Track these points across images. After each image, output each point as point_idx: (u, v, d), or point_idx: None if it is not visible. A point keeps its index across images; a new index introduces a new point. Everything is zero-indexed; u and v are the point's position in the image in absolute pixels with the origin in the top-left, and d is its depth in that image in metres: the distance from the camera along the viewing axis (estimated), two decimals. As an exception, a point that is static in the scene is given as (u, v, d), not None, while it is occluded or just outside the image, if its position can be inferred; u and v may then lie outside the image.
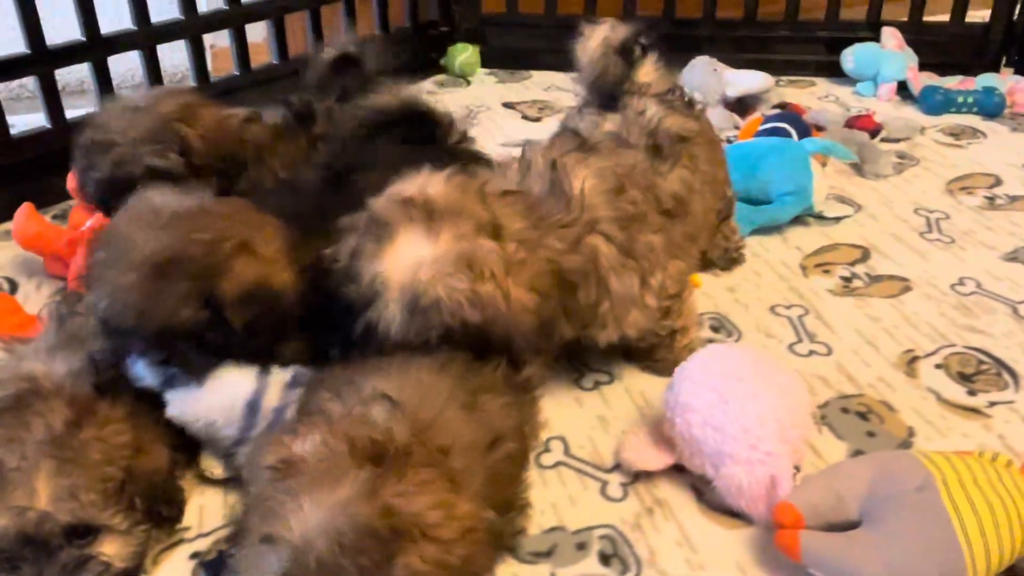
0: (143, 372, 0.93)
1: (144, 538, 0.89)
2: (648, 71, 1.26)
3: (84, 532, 0.83)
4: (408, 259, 0.89)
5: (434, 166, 0.98)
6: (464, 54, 2.33)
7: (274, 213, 1.03)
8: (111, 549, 0.85)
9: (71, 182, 1.50)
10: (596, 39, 1.24)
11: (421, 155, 1.06)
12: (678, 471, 1.00)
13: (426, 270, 0.88)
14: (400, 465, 0.72)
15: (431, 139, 1.32)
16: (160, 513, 0.91)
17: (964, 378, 1.17)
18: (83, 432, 0.86)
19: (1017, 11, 2.19)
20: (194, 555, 0.92)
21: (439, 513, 0.70)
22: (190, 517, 0.97)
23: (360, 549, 0.66)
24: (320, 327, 0.97)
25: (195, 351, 0.92)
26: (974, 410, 1.11)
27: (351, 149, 1.30)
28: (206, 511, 0.98)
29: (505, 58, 2.38)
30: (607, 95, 1.22)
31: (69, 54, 1.64)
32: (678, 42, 2.24)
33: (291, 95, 1.44)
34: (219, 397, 0.94)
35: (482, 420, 0.85)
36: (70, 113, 1.67)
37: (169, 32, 1.79)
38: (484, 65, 2.38)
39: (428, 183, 0.94)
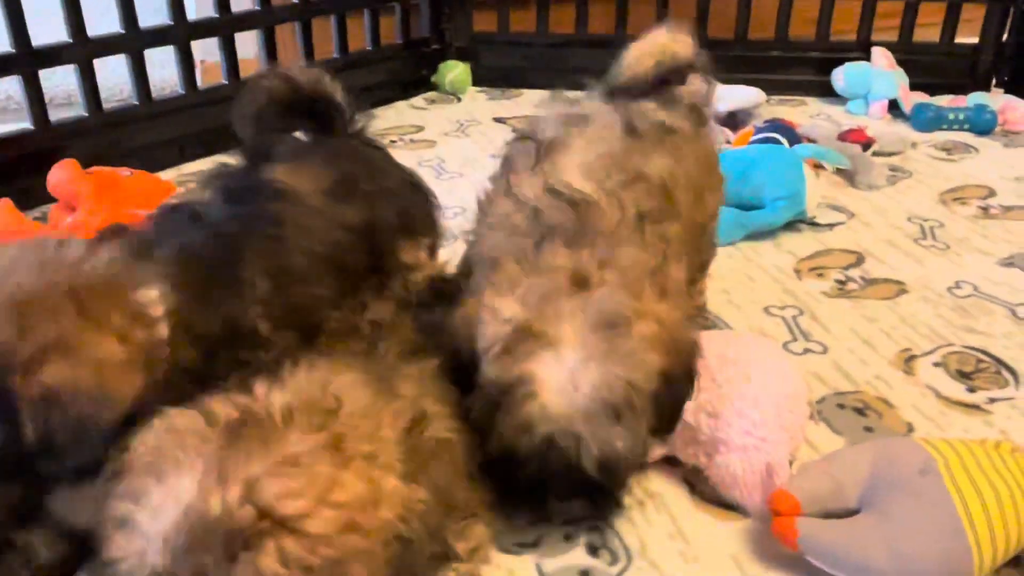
0: None
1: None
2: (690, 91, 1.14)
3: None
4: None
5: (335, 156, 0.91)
6: (455, 71, 2.32)
7: (171, 263, 0.81)
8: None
9: (51, 182, 1.48)
10: (652, 48, 1.12)
11: (325, 147, 1.01)
12: (670, 464, 0.96)
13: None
14: (265, 434, 0.60)
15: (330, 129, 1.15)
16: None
17: (963, 376, 1.14)
18: None
19: (1006, 33, 2.20)
20: None
21: (307, 499, 0.58)
22: None
23: (198, 548, 0.56)
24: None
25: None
26: (974, 407, 1.08)
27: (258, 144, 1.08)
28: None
29: (496, 76, 2.38)
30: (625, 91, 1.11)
31: (54, 55, 1.62)
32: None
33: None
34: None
35: (394, 392, 0.74)
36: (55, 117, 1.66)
37: (158, 37, 1.78)
38: (475, 83, 2.37)
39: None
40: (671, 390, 0.82)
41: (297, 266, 0.90)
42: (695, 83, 1.15)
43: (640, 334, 0.79)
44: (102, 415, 0.70)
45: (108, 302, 0.74)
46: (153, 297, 0.77)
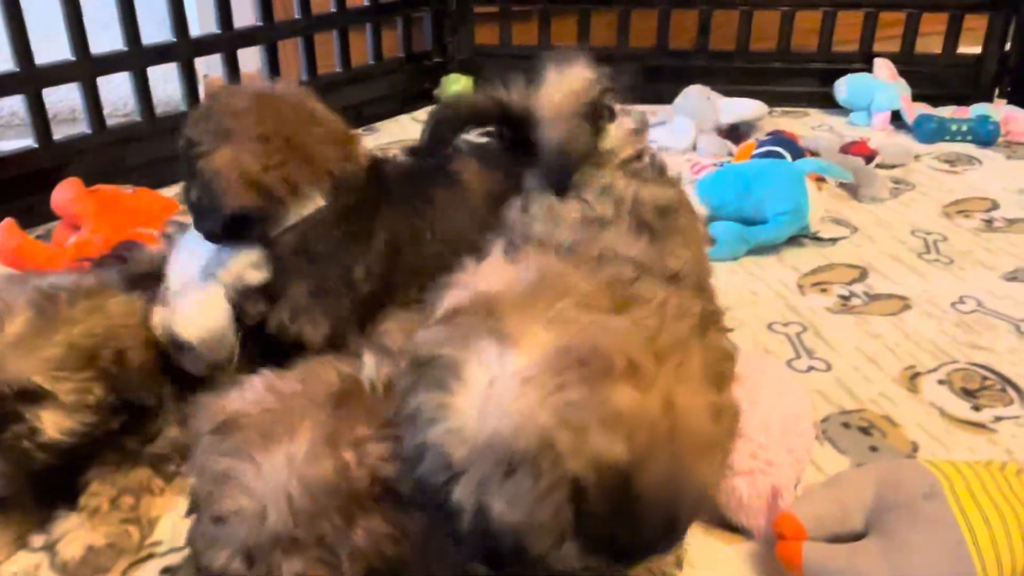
0: None
1: (91, 424, 0.86)
2: (615, 136, 0.98)
3: (26, 395, 0.82)
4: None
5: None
6: (458, 84, 2.33)
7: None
8: (48, 417, 0.83)
9: (55, 201, 1.49)
10: (563, 92, 0.95)
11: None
12: (674, 485, 0.96)
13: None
14: (370, 405, 0.62)
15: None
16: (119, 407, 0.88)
17: (968, 393, 1.14)
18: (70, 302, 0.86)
19: (1009, 43, 2.20)
20: (165, 570, 0.88)
21: None
22: (162, 531, 0.92)
23: (315, 514, 0.58)
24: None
25: None
26: (979, 425, 1.08)
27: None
28: (179, 525, 0.93)
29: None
30: (563, 172, 0.92)
31: (58, 73, 1.63)
32: (671, 73, 2.25)
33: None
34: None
35: None
36: (58, 133, 1.66)
37: (161, 55, 1.78)
38: (478, 96, 2.38)
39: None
40: (643, 499, 0.57)
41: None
42: (615, 128, 0.98)
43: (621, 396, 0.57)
44: (225, 200, 0.92)
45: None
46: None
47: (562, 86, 0.96)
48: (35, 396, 0.83)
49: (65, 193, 1.47)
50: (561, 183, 0.92)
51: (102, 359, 0.86)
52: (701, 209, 1.54)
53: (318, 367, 0.67)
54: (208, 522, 0.62)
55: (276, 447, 0.60)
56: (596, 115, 0.94)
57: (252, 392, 0.66)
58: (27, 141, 1.64)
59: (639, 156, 0.97)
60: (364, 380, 0.65)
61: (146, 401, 0.90)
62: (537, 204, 0.91)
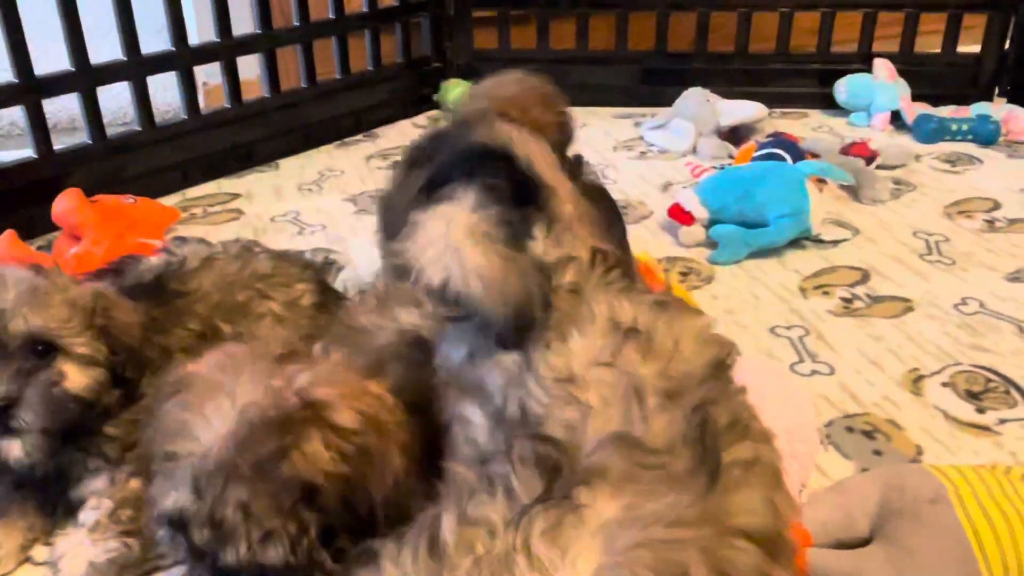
0: None
1: (102, 380, 0.89)
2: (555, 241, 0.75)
3: (43, 348, 0.85)
4: None
5: None
6: (457, 89, 2.32)
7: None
8: (69, 369, 0.86)
9: (55, 212, 1.49)
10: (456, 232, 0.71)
11: None
12: (679, 492, 0.96)
13: None
14: (305, 356, 0.72)
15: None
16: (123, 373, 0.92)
17: (972, 396, 1.13)
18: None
19: (1008, 42, 2.20)
20: (170, 583, 0.88)
21: (342, 399, 0.69)
22: (167, 544, 0.92)
23: (254, 441, 0.65)
24: None
25: None
26: (983, 428, 1.08)
27: None
28: (184, 538, 0.93)
29: (498, 93, 2.38)
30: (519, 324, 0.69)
31: (57, 84, 1.63)
32: (670, 76, 2.25)
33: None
34: None
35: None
36: (59, 146, 1.66)
37: (160, 64, 1.78)
38: (477, 101, 2.38)
39: None
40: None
41: None
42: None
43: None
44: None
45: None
46: None
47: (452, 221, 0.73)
48: (50, 349, 0.86)
49: (66, 204, 1.47)
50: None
51: (97, 317, 0.90)
52: (703, 213, 1.54)
53: (269, 338, 0.79)
54: (163, 471, 0.69)
55: (219, 393, 0.68)
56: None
57: (210, 357, 0.74)
58: (27, 152, 1.64)
59: (600, 253, 0.75)
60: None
61: (138, 365, 0.93)
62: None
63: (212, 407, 0.68)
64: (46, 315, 0.85)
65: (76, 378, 0.87)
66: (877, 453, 1.03)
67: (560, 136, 1.18)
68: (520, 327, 0.68)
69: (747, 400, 0.69)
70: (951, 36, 2.21)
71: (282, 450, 0.66)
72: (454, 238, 0.69)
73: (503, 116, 1.06)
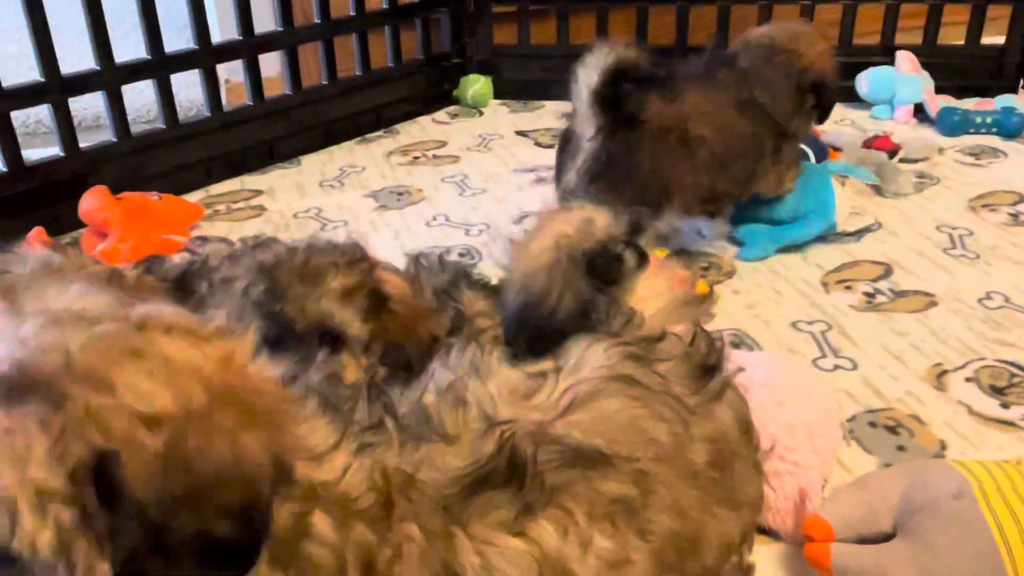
0: None
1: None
2: (648, 286, 0.77)
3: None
4: None
5: None
6: (477, 85, 2.33)
7: None
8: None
9: (82, 209, 1.51)
10: (545, 239, 0.75)
11: None
12: (701, 487, 0.96)
13: None
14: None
15: None
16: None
17: (996, 391, 1.13)
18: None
19: (1033, 33, 2.18)
20: None
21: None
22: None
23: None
24: None
25: None
26: (1008, 423, 1.07)
27: None
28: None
29: (517, 89, 2.39)
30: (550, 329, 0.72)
31: (83, 83, 1.65)
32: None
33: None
34: None
35: None
36: (84, 144, 1.68)
37: (183, 62, 1.80)
38: (497, 96, 2.38)
39: None
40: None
41: None
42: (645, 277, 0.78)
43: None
44: None
45: None
46: None
47: (544, 230, 0.76)
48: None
49: (92, 201, 1.50)
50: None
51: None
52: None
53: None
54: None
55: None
56: (603, 263, 0.74)
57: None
58: (53, 149, 1.66)
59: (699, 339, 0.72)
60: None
61: None
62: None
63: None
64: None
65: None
66: (900, 448, 1.03)
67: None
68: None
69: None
70: (975, 27, 2.19)
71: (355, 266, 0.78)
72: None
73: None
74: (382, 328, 0.84)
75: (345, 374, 0.82)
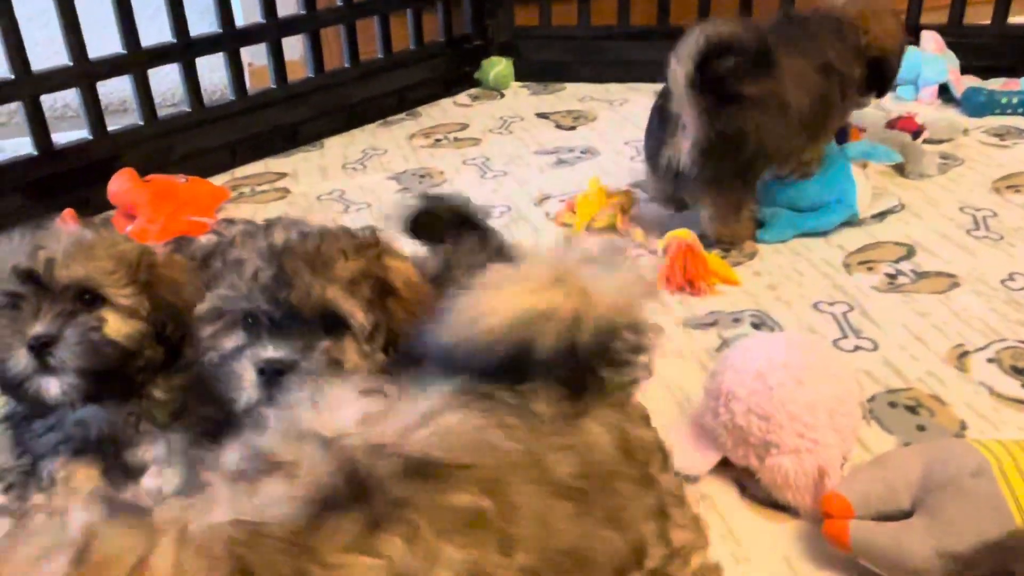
0: None
1: (143, 332, 0.92)
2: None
3: (89, 297, 0.89)
4: None
5: None
6: (498, 67, 2.33)
7: None
8: (110, 316, 0.90)
9: (111, 191, 1.53)
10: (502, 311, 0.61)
11: None
12: (721, 465, 0.97)
13: None
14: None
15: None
16: (164, 331, 0.94)
17: (1018, 372, 1.13)
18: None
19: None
20: None
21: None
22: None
23: (331, 243, 0.82)
24: None
25: None
26: (1030, 404, 1.07)
27: None
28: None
29: (539, 71, 2.39)
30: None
31: (110, 67, 1.67)
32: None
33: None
34: None
35: None
36: (112, 127, 1.71)
37: (208, 46, 1.82)
38: (518, 78, 2.38)
39: None
40: None
41: None
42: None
43: None
44: None
45: None
46: None
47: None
48: (96, 299, 0.90)
49: (120, 183, 1.52)
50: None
51: (141, 272, 0.93)
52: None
53: None
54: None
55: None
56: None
57: None
58: (81, 133, 1.69)
59: None
60: None
61: (181, 324, 0.94)
62: None
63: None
64: (91, 265, 0.89)
65: (116, 325, 0.90)
66: (921, 428, 1.04)
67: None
68: None
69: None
70: (1001, 7, 2.16)
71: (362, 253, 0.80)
72: None
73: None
74: (387, 315, 0.86)
75: (346, 361, 0.84)
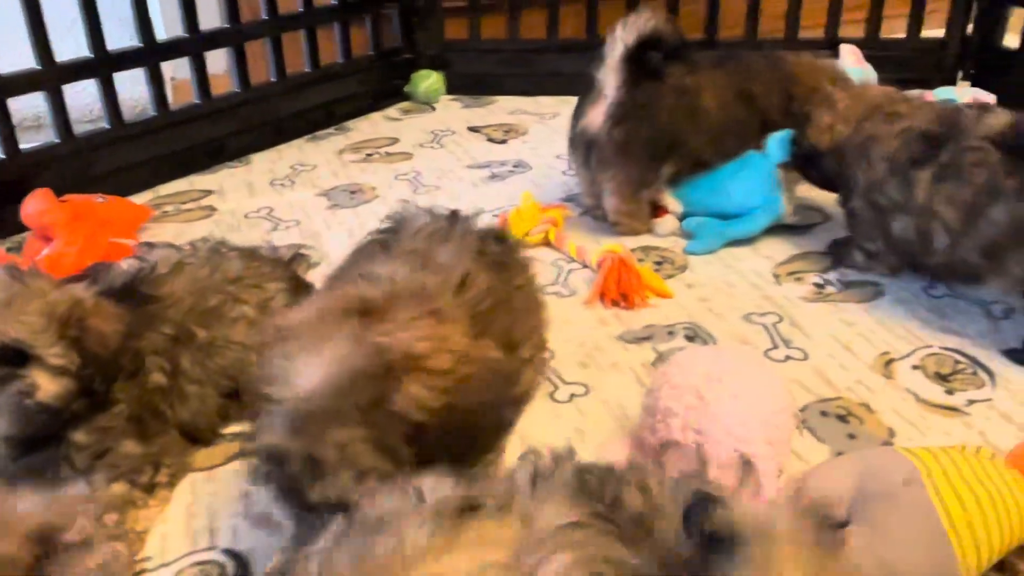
0: None
1: (73, 390, 0.90)
2: None
3: (17, 358, 0.86)
4: None
5: None
6: (428, 80, 2.32)
7: None
8: (41, 377, 0.87)
9: (25, 213, 1.47)
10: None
11: None
12: (659, 480, 0.97)
13: None
14: (385, 310, 0.77)
15: None
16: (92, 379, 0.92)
17: (941, 378, 1.16)
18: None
19: (971, 27, 2.23)
20: (156, 585, 0.88)
21: (428, 344, 0.75)
22: (152, 547, 0.92)
23: (356, 389, 0.71)
24: None
25: None
26: (953, 409, 1.10)
27: None
28: (168, 540, 0.93)
29: (469, 84, 2.38)
30: None
31: (23, 83, 1.61)
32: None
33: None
34: None
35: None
36: (25, 145, 1.64)
37: (127, 60, 1.76)
38: (448, 91, 2.38)
39: None
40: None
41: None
42: None
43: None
44: None
45: None
46: None
47: None
48: (24, 358, 0.87)
49: (36, 204, 1.46)
50: None
51: (71, 327, 0.90)
52: (677, 207, 1.56)
53: (344, 293, 0.82)
54: (264, 412, 0.74)
55: (316, 350, 0.74)
56: None
57: (303, 312, 0.80)
58: (-7, 150, 1.62)
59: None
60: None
61: (109, 375, 0.93)
62: None
63: (307, 358, 0.74)
64: (21, 325, 0.86)
65: (48, 388, 0.88)
66: (851, 436, 1.06)
67: None
68: None
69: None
70: (916, 20, 2.24)
71: (384, 395, 0.72)
72: None
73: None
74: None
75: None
